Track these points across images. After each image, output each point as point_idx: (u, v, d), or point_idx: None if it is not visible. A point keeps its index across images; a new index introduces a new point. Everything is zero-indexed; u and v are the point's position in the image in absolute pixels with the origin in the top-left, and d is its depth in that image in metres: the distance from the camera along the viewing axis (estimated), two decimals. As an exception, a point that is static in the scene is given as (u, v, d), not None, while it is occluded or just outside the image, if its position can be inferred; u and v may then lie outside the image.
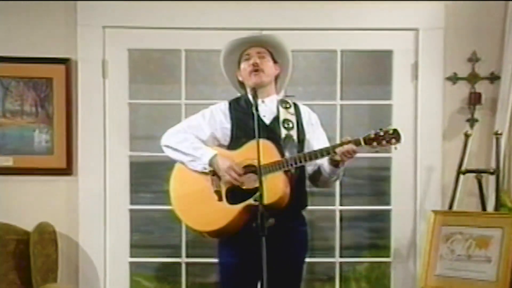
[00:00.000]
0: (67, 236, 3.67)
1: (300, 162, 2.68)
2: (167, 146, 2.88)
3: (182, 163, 2.84)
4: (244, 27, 3.52)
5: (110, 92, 3.73)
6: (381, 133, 2.63)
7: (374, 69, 3.89)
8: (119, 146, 3.74)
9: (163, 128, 3.01)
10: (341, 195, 3.80)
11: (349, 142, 2.64)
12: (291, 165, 2.67)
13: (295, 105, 2.95)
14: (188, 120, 2.97)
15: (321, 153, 2.68)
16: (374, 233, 3.94)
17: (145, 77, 3.87)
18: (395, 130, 2.64)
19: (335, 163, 2.75)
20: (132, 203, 3.79)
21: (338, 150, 2.65)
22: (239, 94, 3.08)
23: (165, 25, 3.69)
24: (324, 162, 2.83)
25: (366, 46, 3.77)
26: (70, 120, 3.67)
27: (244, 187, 2.71)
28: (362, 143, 2.64)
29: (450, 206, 3.49)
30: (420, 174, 3.73)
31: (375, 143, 2.63)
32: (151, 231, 3.89)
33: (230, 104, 2.95)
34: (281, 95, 2.99)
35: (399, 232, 3.80)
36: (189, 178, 2.81)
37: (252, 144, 2.65)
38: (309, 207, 2.96)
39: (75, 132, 3.69)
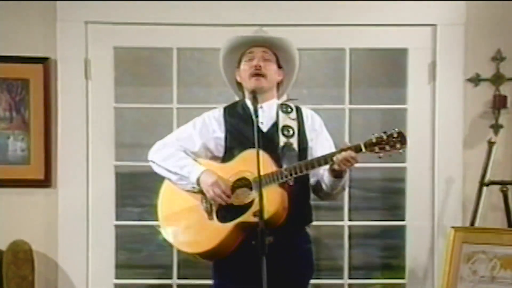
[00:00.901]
0: (44, 255, 3.62)
1: (296, 173, 2.62)
2: (153, 162, 2.86)
3: (170, 180, 2.82)
4: (242, 23, 3.48)
5: (94, 95, 3.69)
6: (384, 137, 2.57)
7: (386, 69, 3.85)
8: (104, 155, 3.70)
9: (152, 135, 3.07)
10: (350, 209, 3.74)
11: (348, 148, 2.58)
12: (286, 176, 2.62)
13: (297, 109, 2.90)
14: (178, 131, 2.94)
15: (318, 162, 2.63)
16: (387, 252, 3.92)
17: (132, 79, 3.83)
18: (399, 133, 2.56)
19: (335, 174, 2.68)
20: (118, 218, 3.75)
21: (335, 158, 2.59)
22: (236, 98, 3.03)
23: (155, 20, 3.64)
24: (325, 173, 2.78)
25: (378, 44, 3.73)
26: (49, 126, 3.63)
27: (236, 204, 2.68)
28: (363, 149, 2.57)
29: (472, 222, 3.44)
30: (438, 186, 3.70)
31: (377, 149, 2.56)
32: (139, 250, 3.87)
33: (225, 110, 2.90)
34: (282, 99, 2.95)
35: (415, 250, 3.75)
36: (177, 196, 2.79)
37: (244, 155, 2.67)
38: (314, 222, 2.91)
39: (54, 140, 3.65)
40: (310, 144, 2.85)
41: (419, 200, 3.72)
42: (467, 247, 3.27)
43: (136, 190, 3.79)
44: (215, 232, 2.66)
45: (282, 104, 2.89)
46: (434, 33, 3.65)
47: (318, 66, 3.86)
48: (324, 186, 2.80)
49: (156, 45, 3.71)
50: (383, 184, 3.90)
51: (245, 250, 2.51)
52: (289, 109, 2.88)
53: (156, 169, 2.84)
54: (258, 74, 2.79)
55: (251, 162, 2.49)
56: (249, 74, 2.81)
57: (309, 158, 2.78)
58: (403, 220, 3.75)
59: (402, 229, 3.76)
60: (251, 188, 2.64)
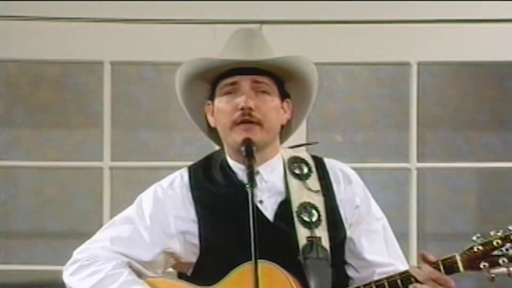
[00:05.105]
0: None
1: None
2: None
3: None
4: (228, 18, 3.46)
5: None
6: (495, 242, 2.43)
7: (484, 98, 3.79)
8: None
9: (66, 217, 3.05)
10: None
11: (432, 264, 2.40)
12: None
13: (318, 164, 2.65)
14: (114, 226, 2.66)
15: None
16: None
17: (32, 114, 3.75)
18: None
19: None
20: None
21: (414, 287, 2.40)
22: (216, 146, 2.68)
23: (74, 14, 3.58)
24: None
25: (466, 56, 3.61)
26: None
27: None
28: (460, 266, 2.41)
29: None
30: None
31: (485, 264, 2.41)
32: None
33: (190, 175, 2.60)
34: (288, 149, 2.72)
35: None
36: None
37: (242, 273, 2.46)
38: None
39: None
40: (349, 232, 2.55)
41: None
42: None
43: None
44: None
45: (291, 161, 2.65)
46: None
47: (363, 92, 3.79)
48: None
49: (74, 56, 3.61)
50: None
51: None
52: (305, 169, 2.62)
53: None
54: (248, 121, 2.49)
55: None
56: (231, 122, 2.50)
57: (350, 255, 2.53)
58: None
59: None
60: None
